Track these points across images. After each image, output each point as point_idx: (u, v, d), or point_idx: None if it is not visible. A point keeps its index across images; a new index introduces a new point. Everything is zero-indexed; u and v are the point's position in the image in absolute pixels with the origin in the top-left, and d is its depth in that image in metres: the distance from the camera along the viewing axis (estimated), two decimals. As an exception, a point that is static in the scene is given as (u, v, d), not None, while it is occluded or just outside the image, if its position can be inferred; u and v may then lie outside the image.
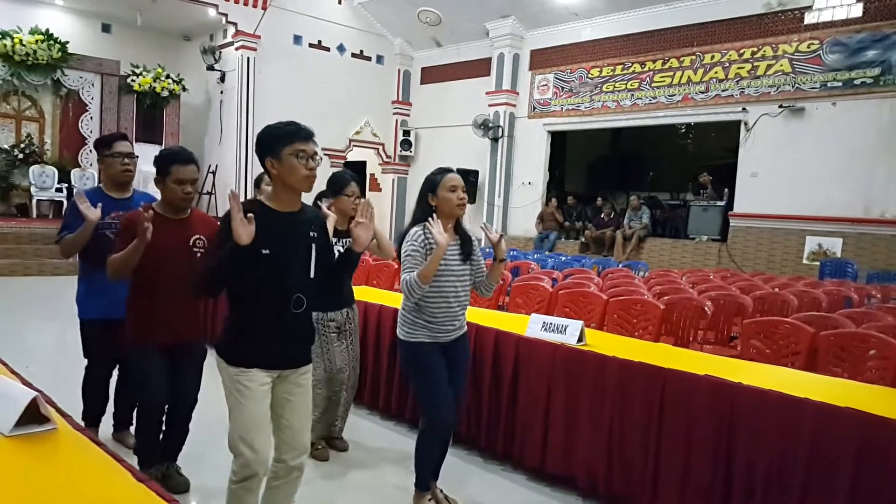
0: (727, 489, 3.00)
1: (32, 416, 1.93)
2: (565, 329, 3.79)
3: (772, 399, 2.91)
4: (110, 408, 3.96)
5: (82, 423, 3.47)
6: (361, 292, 5.34)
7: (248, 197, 12.52)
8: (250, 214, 2.38)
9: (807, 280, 8.36)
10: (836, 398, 2.83)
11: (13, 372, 2.45)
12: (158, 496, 1.62)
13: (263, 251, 2.42)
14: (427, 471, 3.33)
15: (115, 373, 3.91)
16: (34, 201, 13.28)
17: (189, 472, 3.46)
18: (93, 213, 3.51)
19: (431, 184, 3.21)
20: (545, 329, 3.87)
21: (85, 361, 3.84)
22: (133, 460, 3.20)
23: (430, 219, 3.10)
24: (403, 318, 3.27)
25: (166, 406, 3.29)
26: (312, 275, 2.58)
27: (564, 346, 3.71)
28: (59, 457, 1.88)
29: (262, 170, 2.69)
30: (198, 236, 3.24)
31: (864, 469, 2.62)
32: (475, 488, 3.75)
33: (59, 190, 13.24)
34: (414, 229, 3.19)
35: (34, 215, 13.12)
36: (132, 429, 3.67)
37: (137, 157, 3.88)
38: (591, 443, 3.53)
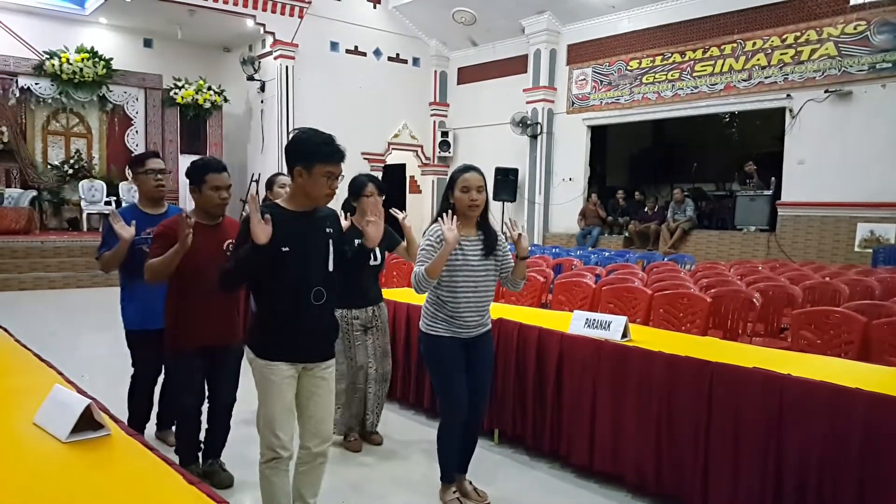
0: (779, 484, 2.93)
1: (87, 422, 2.00)
2: (609, 325, 3.75)
3: (823, 390, 2.83)
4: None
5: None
6: (395, 293, 5.38)
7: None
8: (267, 216, 2.54)
9: (859, 268, 8.13)
10: (891, 388, 2.74)
11: (68, 381, 2.52)
12: (209, 497, 1.66)
13: (283, 249, 2.59)
14: (450, 463, 3.39)
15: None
16: (84, 215, 13.71)
17: (232, 467, 3.60)
18: (126, 231, 3.64)
19: (451, 181, 3.28)
20: (588, 325, 3.84)
21: (117, 360, 4.01)
22: (175, 458, 3.36)
23: (443, 215, 3.14)
24: (426, 311, 3.35)
25: (204, 406, 3.46)
26: (331, 268, 2.74)
27: (609, 343, 3.67)
28: (114, 461, 1.93)
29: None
30: (231, 241, 3.32)
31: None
32: (522, 486, 3.74)
33: (107, 203, 13.60)
34: (434, 225, 3.24)
35: (85, 229, 13.54)
36: (174, 428, 3.82)
37: (170, 172, 4.01)
38: (639, 440, 3.48)
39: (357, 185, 4.12)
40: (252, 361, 2.73)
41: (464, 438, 3.38)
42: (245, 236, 2.59)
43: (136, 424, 3.94)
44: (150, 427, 4.11)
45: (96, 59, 13.80)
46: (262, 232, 2.51)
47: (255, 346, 2.74)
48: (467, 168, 3.29)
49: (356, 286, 4.02)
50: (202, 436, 3.59)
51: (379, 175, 16.07)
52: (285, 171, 2.83)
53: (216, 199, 3.37)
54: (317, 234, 2.70)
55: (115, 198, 13.66)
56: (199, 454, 3.59)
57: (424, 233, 3.28)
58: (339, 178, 2.69)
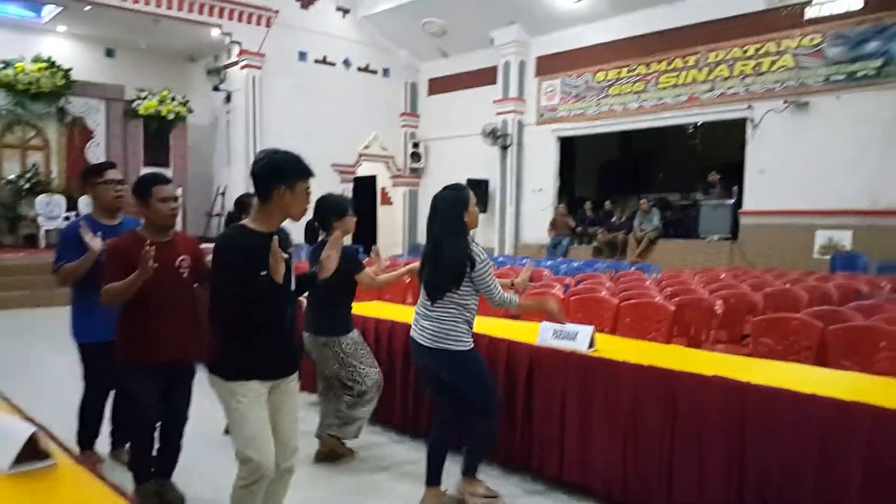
0: (741, 490, 3.01)
1: (32, 452, 1.91)
2: (575, 336, 3.79)
3: (780, 396, 2.93)
4: (106, 426, 4.04)
5: (77, 446, 3.69)
6: (373, 308, 5.39)
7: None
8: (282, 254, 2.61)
9: (818, 274, 8.33)
10: (845, 392, 2.84)
11: (14, 407, 2.42)
12: None
13: (262, 273, 2.60)
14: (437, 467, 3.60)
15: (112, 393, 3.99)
16: (42, 231, 12.97)
17: (182, 485, 3.55)
18: (96, 243, 3.61)
19: (466, 201, 3.49)
20: (556, 336, 3.88)
21: (72, 382, 3.92)
22: (128, 476, 3.38)
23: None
24: (458, 330, 3.44)
25: (157, 423, 3.40)
26: (293, 287, 2.80)
27: (575, 353, 3.73)
28: (59, 493, 1.86)
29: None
30: (183, 257, 3.36)
31: (875, 462, 2.64)
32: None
33: (66, 219, 12.77)
34: (479, 248, 3.44)
35: (42, 245, 12.74)
36: (128, 446, 3.74)
37: (127, 184, 3.93)
38: (606, 450, 3.54)
39: (343, 206, 4.13)
40: (220, 386, 2.72)
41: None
42: (222, 264, 2.65)
43: (86, 439, 3.92)
44: (105, 446, 4.07)
45: (54, 70, 13.26)
46: (282, 270, 2.59)
47: (223, 369, 2.72)
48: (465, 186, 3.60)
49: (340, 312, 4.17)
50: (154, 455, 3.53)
51: (350, 186, 16.07)
52: (252, 190, 2.83)
53: (165, 210, 3.32)
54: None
55: (74, 213, 12.82)
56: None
57: (470, 259, 3.38)
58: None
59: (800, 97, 10.58)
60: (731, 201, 11.72)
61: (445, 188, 3.59)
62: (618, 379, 3.50)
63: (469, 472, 3.61)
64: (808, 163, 10.53)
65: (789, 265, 10.44)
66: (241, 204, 4.77)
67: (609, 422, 3.53)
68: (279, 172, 2.67)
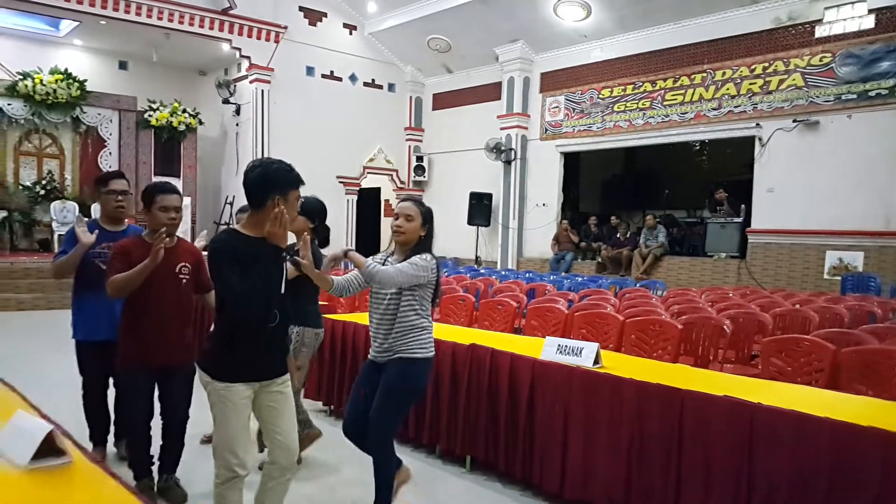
0: (750, 512, 2.93)
1: (49, 449, 1.97)
2: (580, 351, 3.74)
3: (791, 419, 2.85)
4: None
5: (91, 446, 3.89)
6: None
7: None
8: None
9: (828, 296, 8.24)
10: (859, 417, 2.77)
11: (32, 405, 2.49)
12: None
13: (252, 275, 2.67)
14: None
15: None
16: (56, 236, 13.41)
17: (185, 483, 3.68)
18: (86, 237, 3.81)
19: (431, 216, 3.42)
20: (560, 352, 3.83)
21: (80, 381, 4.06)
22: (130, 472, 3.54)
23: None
24: (424, 337, 3.33)
25: (153, 421, 3.53)
26: (283, 290, 2.84)
27: (580, 369, 3.67)
28: (75, 489, 1.90)
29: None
30: (183, 263, 3.52)
31: (887, 488, 2.56)
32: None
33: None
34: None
35: (56, 250, 13.15)
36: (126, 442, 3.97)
37: (132, 194, 4.17)
38: (609, 467, 3.47)
39: (324, 210, 4.19)
40: (208, 384, 2.78)
41: None
42: (224, 267, 2.67)
43: (98, 437, 4.06)
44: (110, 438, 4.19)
45: (70, 81, 13.70)
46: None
47: (212, 369, 2.78)
48: (406, 199, 3.48)
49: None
50: (157, 451, 3.65)
51: (354, 199, 16.22)
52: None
53: (164, 218, 3.45)
54: (274, 257, 2.76)
55: (87, 219, 13.33)
56: (154, 469, 3.65)
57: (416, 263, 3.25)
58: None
59: (809, 116, 10.51)
60: (739, 219, 11.64)
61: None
62: (623, 396, 3.43)
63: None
64: (818, 182, 10.44)
65: (798, 286, 10.36)
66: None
67: (613, 439, 3.46)
68: (274, 182, 2.73)
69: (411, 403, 3.55)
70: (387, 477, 3.34)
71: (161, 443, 3.63)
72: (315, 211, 4.12)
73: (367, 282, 3.28)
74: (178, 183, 14.65)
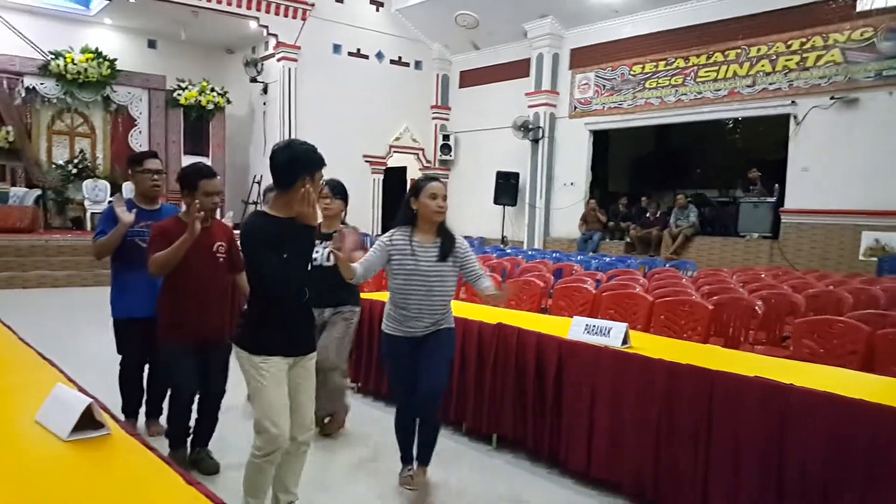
0: (780, 495, 2.87)
1: (88, 421, 2.01)
2: (609, 331, 3.70)
3: (825, 401, 2.78)
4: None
5: (122, 417, 3.90)
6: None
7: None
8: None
9: (863, 277, 8.07)
10: (895, 399, 2.68)
11: (70, 379, 2.53)
12: (208, 498, 1.68)
13: (284, 255, 2.74)
14: (405, 447, 3.62)
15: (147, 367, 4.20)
16: (88, 214, 13.73)
17: (217, 454, 3.77)
18: (127, 216, 3.88)
19: (417, 189, 3.43)
20: (588, 332, 3.79)
21: (118, 357, 4.16)
22: (164, 443, 3.61)
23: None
24: (386, 313, 3.53)
25: (196, 396, 3.64)
26: (310, 269, 2.93)
27: (608, 349, 3.62)
28: (114, 460, 1.94)
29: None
30: (220, 243, 3.60)
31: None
32: (522, 490, 3.69)
33: (110, 202, 13.49)
34: (391, 231, 3.48)
35: (88, 228, 13.50)
36: (161, 419, 4.07)
37: (165, 173, 4.22)
38: (637, 447, 3.43)
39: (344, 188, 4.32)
40: (245, 360, 2.84)
41: (419, 430, 3.53)
42: (255, 247, 2.75)
43: (130, 410, 4.13)
44: (141, 415, 4.25)
45: (101, 60, 13.85)
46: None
47: (249, 343, 2.84)
48: (432, 178, 3.53)
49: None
50: (192, 424, 3.73)
51: (380, 178, 16.22)
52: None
53: (209, 203, 3.49)
54: (303, 238, 2.80)
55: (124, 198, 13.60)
56: (188, 441, 3.73)
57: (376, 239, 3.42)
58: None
59: (848, 93, 10.23)
60: (773, 199, 11.41)
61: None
62: (652, 377, 3.38)
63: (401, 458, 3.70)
64: (855, 160, 10.18)
65: (833, 267, 10.15)
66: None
67: (642, 419, 3.42)
68: (303, 162, 2.77)
69: None
70: (433, 434, 3.56)
71: (196, 416, 3.71)
72: (345, 193, 4.28)
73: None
74: (206, 161, 14.75)
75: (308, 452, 3.07)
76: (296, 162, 2.77)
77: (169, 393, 3.73)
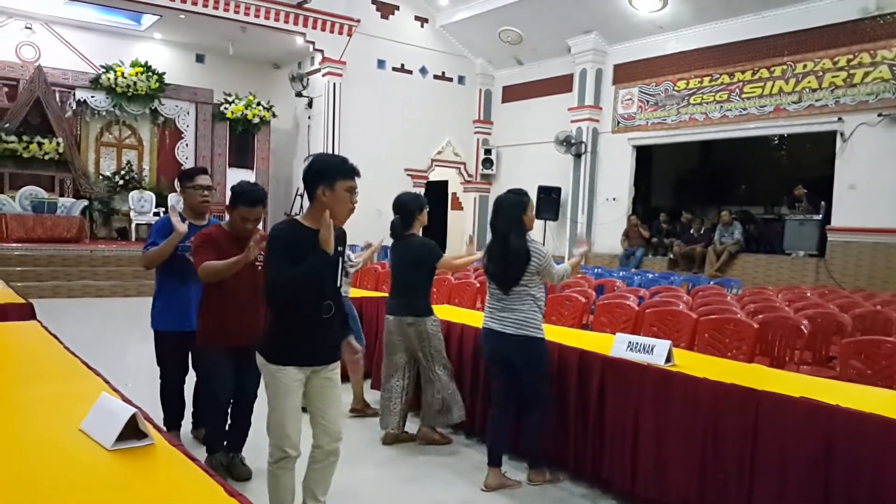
0: (827, 518, 2.85)
1: (132, 431, 2.03)
2: (652, 349, 3.70)
3: (872, 422, 2.76)
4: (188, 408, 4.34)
5: (164, 429, 3.93)
6: (443, 311, 5.39)
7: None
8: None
9: (913, 297, 7.88)
10: (947, 424, 2.65)
11: (114, 389, 2.57)
12: None
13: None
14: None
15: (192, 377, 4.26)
16: (133, 225, 14.06)
17: (250, 461, 3.86)
18: (181, 226, 3.94)
19: (526, 204, 3.88)
20: (631, 349, 3.79)
21: (158, 370, 4.23)
22: (201, 449, 3.76)
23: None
24: (537, 319, 3.85)
25: (230, 400, 3.75)
26: (339, 284, 2.98)
27: (652, 367, 3.63)
28: (157, 471, 1.96)
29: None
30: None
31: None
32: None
33: (156, 214, 13.86)
34: (537, 243, 3.88)
35: (133, 239, 13.87)
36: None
37: (215, 189, 4.30)
38: (682, 466, 3.43)
39: (420, 201, 4.67)
40: (263, 366, 2.93)
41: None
42: (278, 253, 2.81)
43: (171, 423, 4.21)
44: (186, 426, 4.34)
45: (150, 74, 14.27)
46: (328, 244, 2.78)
47: (267, 352, 2.92)
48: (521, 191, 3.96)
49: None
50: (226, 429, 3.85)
51: (422, 191, 16.27)
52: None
53: (240, 225, 3.67)
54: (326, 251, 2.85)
55: (163, 209, 13.88)
56: (224, 446, 3.83)
57: (539, 252, 3.83)
58: (356, 193, 2.92)
59: (896, 110, 10.06)
60: (819, 217, 11.22)
61: (508, 192, 3.94)
62: (697, 396, 3.38)
63: (535, 464, 3.98)
64: (904, 178, 9.98)
65: (880, 286, 9.93)
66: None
67: (686, 438, 3.41)
68: (319, 173, 2.85)
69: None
70: None
71: (229, 422, 3.82)
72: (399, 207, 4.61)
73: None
74: (251, 175, 15.09)
75: (337, 462, 3.09)
76: (316, 173, 2.85)
77: (204, 398, 3.82)
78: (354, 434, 4.54)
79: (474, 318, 4.91)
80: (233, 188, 3.70)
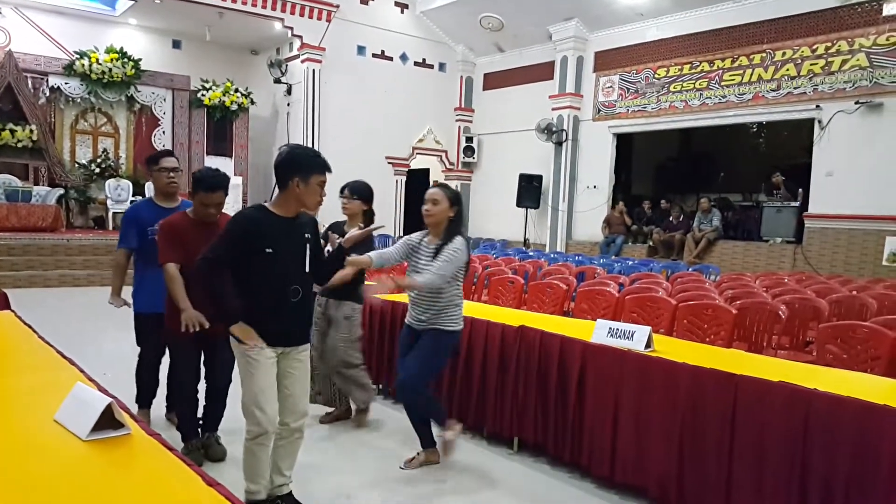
0: (803, 499, 2.88)
1: (108, 421, 2.01)
2: (632, 335, 3.71)
3: (849, 406, 2.79)
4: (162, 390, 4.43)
5: (136, 406, 4.16)
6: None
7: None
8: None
9: (887, 282, 7.98)
10: (921, 406, 2.68)
11: (90, 379, 2.54)
12: (226, 499, 1.67)
13: (267, 250, 2.91)
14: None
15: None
16: (110, 214, 13.83)
17: (226, 442, 3.95)
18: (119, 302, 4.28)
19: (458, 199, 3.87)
20: (611, 335, 3.80)
21: (138, 349, 4.32)
22: (177, 436, 3.84)
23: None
24: (456, 313, 3.86)
25: (198, 386, 3.85)
26: (307, 269, 3.07)
27: (632, 353, 3.64)
28: (134, 460, 1.95)
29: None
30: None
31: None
32: (541, 495, 3.72)
33: (132, 202, 13.61)
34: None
35: (110, 227, 13.62)
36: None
37: (182, 171, 4.38)
38: (661, 451, 3.44)
39: (372, 193, 4.48)
40: (236, 347, 3.01)
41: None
42: (228, 237, 2.94)
43: (143, 400, 4.32)
44: (160, 409, 4.44)
45: (125, 60, 13.99)
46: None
47: None
48: (434, 184, 3.96)
49: None
50: (200, 412, 3.95)
51: (403, 179, 16.27)
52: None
53: (202, 211, 3.69)
54: (296, 237, 3.02)
55: (140, 197, 13.68)
56: (199, 430, 3.93)
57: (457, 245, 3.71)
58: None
59: (873, 98, 10.15)
60: (796, 204, 11.33)
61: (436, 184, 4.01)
62: (676, 381, 3.40)
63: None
64: (880, 166, 10.09)
65: (856, 272, 10.06)
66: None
67: (666, 424, 3.43)
68: (295, 165, 2.94)
69: (440, 367, 4.01)
70: (420, 419, 3.93)
71: (204, 404, 3.94)
72: (369, 193, 4.41)
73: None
74: (229, 162, 14.92)
75: (301, 439, 3.20)
76: (290, 163, 2.94)
77: (173, 385, 3.94)
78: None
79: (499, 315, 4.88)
80: (193, 174, 3.75)
